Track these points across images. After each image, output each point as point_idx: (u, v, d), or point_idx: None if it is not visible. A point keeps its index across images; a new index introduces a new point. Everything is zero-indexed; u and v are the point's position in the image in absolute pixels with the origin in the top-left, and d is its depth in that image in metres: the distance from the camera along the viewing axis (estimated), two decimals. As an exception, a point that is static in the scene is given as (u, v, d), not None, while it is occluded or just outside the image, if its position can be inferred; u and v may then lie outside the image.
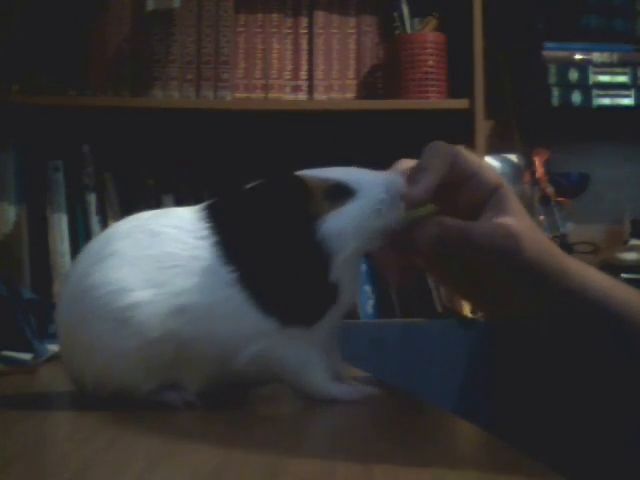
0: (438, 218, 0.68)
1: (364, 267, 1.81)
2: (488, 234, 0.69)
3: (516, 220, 0.69)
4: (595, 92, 2.13)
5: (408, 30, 2.04)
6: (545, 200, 2.11)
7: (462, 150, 0.72)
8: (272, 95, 2.02)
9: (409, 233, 0.68)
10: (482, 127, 1.96)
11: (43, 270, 1.91)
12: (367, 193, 0.68)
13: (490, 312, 0.78)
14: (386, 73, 2.05)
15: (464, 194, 0.71)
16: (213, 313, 0.68)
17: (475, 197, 0.71)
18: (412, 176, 0.70)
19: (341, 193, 0.68)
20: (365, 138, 2.08)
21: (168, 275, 0.69)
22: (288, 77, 2.04)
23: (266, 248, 0.68)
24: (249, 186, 0.73)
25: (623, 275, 1.78)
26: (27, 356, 1.03)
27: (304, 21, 2.05)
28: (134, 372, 0.70)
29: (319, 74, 2.04)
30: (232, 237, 0.69)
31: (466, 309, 1.93)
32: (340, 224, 0.68)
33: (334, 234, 0.67)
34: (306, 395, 0.72)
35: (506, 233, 0.68)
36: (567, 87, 2.12)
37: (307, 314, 0.69)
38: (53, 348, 1.11)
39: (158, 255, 0.70)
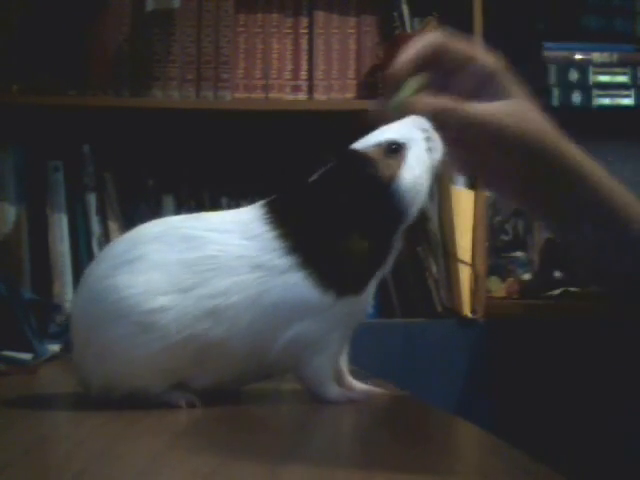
0: (425, 98, 0.72)
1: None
2: (480, 111, 0.71)
3: (510, 104, 0.72)
4: (595, 92, 2.13)
5: (408, 30, 2.04)
6: (545, 200, 2.11)
7: (452, 37, 0.74)
8: (272, 95, 2.02)
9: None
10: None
11: (43, 270, 1.91)
12: (414, 140, 0.73)
13: (502, 192, 0.80)
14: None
15: (460, 82, 0.73)
16: (254, 307, 0.70)
17: (471, 81, 0.73)
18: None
19: (396, 149, 0.73)
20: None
21: (200, 278, 0.70)
22: (288, 77, 2.04)
23: (336, 224, 0.71)
24: (311, 180, 0.75)
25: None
26: (27, 356, 1.03)
27: (304, 21, 2.05)
28: (149, 375, 0.70)
29: (319, 74, 2.04)
30: (298, 226, 0.71)
31: (466, 309, 1.93)
32: (415, 173, 0.72)
33: (411, 184, 0.72)
34: (308, 388, 0.73)
35: (489, 116, 0.71)
36: (567, 87, 2.12)
37: (358, 282, 0.72)
38: (53, 348, 1.11)
39: (191, 259, 0.70)
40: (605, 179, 0.75)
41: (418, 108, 0.72)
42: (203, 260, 0.70)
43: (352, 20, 2.05)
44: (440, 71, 0.73)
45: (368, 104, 0.79)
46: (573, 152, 0.74)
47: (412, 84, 0.71)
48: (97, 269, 0.73)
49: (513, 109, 0.72)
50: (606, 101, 2.14)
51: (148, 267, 0.70)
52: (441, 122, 0.71)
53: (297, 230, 0.71)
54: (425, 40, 0.73)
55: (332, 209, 0.71)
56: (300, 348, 0.71)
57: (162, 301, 0.69)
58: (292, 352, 0.71)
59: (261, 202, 0.75)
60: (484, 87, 0.73)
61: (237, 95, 2.00)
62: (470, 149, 0.74)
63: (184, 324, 0.69)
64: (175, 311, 0.69)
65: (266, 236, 0.71)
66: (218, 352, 0.70)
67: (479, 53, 0.74)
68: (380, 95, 0.76)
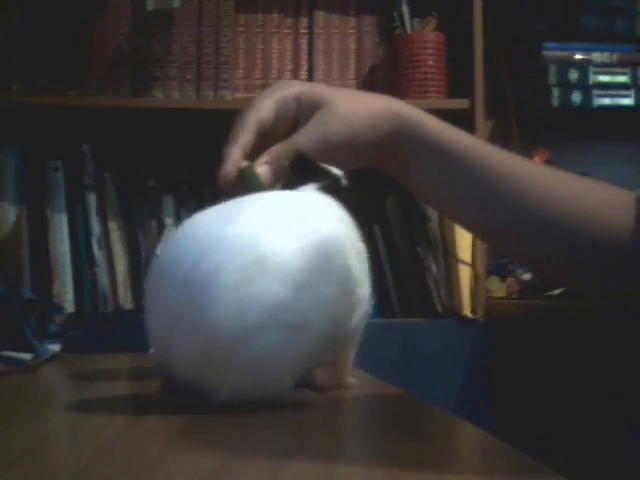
0: (264, 160, 0.76)
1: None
2: (309, 137, 0.76)
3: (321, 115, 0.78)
4: (595, 92, 2.13)
5: (408, 30, 2.04)
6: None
7: (265, 104, 0.78)
8: (272, 95, 2.02)
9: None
10: (482, 127, 1.96)
11: (43, 270, 1.91)
12: None
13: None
14: (386, 73, 2.05)
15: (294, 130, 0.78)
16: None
17: (302, 122, 0.78)
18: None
19: None
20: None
21: (334, 266, 0.68)
22: (288, 77, 2.04)
23: None
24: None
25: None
26: (27, 356, 1.03)
27: (304, 21, 2.05)
28: (290, 375, 0.68)
29: (319, 74, 2.04)
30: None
31: (466, 309, 1.93)
32: None
33: None
34: (340, 374, 0.77)
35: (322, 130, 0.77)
36: (567, 87, 2.12)
37: None
38: (53, 348, 1.11)
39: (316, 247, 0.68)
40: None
41: (266, 178, 0.76)
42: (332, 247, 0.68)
43: (352, 20, 2.05)
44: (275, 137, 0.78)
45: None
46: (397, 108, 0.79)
47: (248, 170, 0.76)
48: (221, 277, 0.65)
49: (319, 121, 0.77)
50: (606, 101, 2.14)
51: (280, 264, 0.65)
52: (283, 167, 0.75)
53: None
54: (245, 128, 0.78)
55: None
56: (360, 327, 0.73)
57: (308, 300, 0.66)
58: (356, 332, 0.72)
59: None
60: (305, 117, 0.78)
61: (237, 95, 2.00)
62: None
63: (331, 317, 0.68)
64: (323, 305, 0.67)
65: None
66: (341, 340, 0.71)
67: (301, 96, 0.79)
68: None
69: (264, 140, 0.78)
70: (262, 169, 0.76)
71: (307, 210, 0.69)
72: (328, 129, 0.76)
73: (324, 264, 0.67)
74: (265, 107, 0.78)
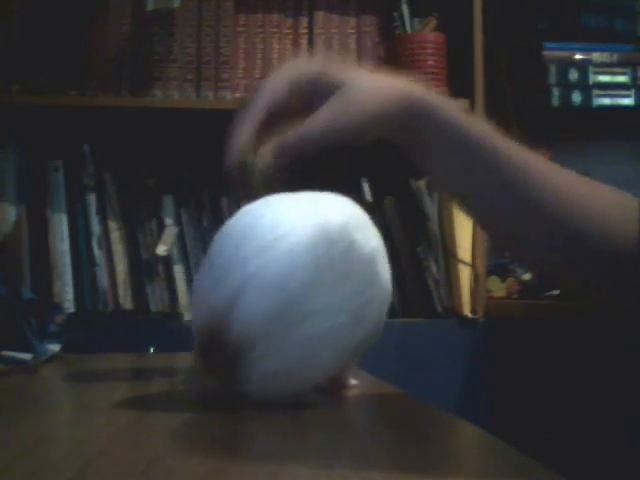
0: (268, 151, 0.74)
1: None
2: (317, 124, 0.74)
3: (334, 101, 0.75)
4: (595, 92, 2.13)
5: (408, 30, 2.04)
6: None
7: (298, 76, 0.76)
8: (272, 95, 2.02)
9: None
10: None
11: (43, 270, 1.91)
12: None
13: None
14: (386, 73, 2.05)
15: (309, 110, 0.75)
16: None
17: (319, 102, 0.75)
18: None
19: None
20: (365, 138, 2.08)
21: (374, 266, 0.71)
22: (288, 77, 2.04)
23: None
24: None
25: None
26: (27, 356, 1.03)
27: (304, 21, 2.05)
28: (334, 370, 0.70)
29: (319, 74, 2.04)
30: None
31: (466, 309, 1.93)
32: None
33: None
34: (351, 378, 0.77)
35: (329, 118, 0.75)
36: (567, 87, 2.12)
37: None
38: (53, 348, 1.11)
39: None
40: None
41: (267, 165, 0.73)
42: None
43: (352, 20, 2.05)
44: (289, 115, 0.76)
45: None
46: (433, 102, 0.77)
47: (252, 166, 0.73)
48: (295, 273, 0.65)
49: (335, 107, 0.74)
50: (606, 101, 2.14)
51: (359, 255, 0.69)
52: (292, 155, 0.73)
53: None
54: (251, 119, 0.76)
55: None
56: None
57: (369, 295, 0.69)
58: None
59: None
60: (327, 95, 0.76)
61: (237, 95, 2.00)
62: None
63: (377, 317, 0.70)
64: (377, 304, 0.70)
65: None
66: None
67: (322, 76, 0.77)
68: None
69: (276, 120, 0.75)
70: (264, 166, 0.74)
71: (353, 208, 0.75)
72: (343, 114, 0.74)
73: (377, 269, 0.70)
74: (279, 88, 0.75)
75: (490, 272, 2.00)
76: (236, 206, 0.72)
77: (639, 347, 1.57)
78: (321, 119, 0.74)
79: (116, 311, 1.93)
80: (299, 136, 0.74)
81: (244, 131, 0.74)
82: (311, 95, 0.75)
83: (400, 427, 0.66)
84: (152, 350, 1.24)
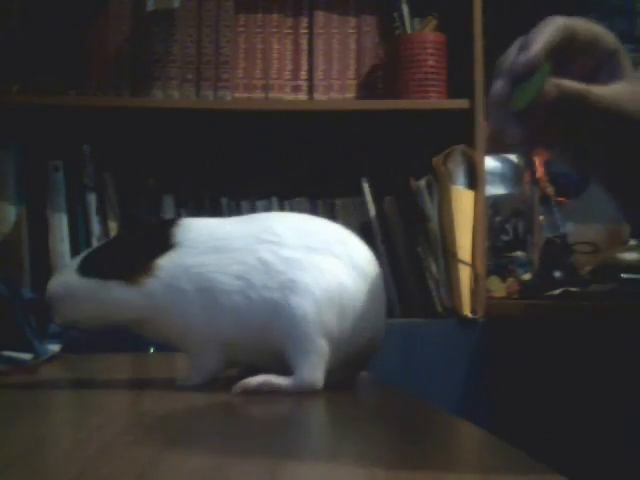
0: (557, 82, 0.67)
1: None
2: (603, 101, 0.68)
3: (626, 85, 0.70)
4: (595, 92, 2.13)
5: (408, 30, 2.04)
6: (545, 200, 2.11)
7: (577, 20, 0.72)
8: (272, 95, 2.02)
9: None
10: (482, 127, 1.96)
11: (43, 270, 1.91)
12: None
13: (585, 169, 0.78)
14: (386, 73, 2.05)
15: (583, 61, 0.71)
16: None
17: (593, 62, 0.71)
18: (521, 46, 0.69)
19: None
20: (365, 138, 2.08)
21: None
22: (288, 77, 2.04)
23: None
24: None
25: (623, 275, 1.78)
26: (27, 356, 1.03)
27: (304, 21, 2.05)
28: None
29: (319, 74, 2.04)
30: None
31: (466, 309, 1.93)
32: None
33: None
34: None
35: (619, 97, 0.68)
36: (567, 87, 2.12)
37: None
38: (53, 348, 1.11)
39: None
40: None
41: (551, 91, 0.68)
42: None
43: (352, 20, 2.05)
44: (564, 56, 0.71)
45: (490, 99, 0.71)
46: None
47: (543, 71, 0.68)
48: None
49: (631, 91, 0.70)
50: (606, 101, 2.13)
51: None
52: (569, 106, 0.68)
53: None
54: (554, 25, 0.71)
55: None
56: None
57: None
58: None
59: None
60: (602, 68, 0.71)
61: (237, 95, 2.00)
62: (561, 133, 0.71)
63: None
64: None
65: None
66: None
67: (601, 33, 0.72)
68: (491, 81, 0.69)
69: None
70: (554, 88, 0.67)
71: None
72: (621, 104, 0.70)
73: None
74: (583, 33, 0.71)
75: (490, 272, 2.00)
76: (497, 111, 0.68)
77: (639, 347, 1.57)
78: (613, 91, 0.69)
79: (116, 311, 1.92)
80: (587, 92, 0.68)
81: (540, 41, 0.68)
82: (597, 63, 0.71)
83: (400, 427, 0.66)
84: (152, 350, 1.24)
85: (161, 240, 0.84)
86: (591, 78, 0.70)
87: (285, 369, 0.80)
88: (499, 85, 0.67)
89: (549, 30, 0.70)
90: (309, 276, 0.80)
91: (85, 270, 0.86)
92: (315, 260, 0.81)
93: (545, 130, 0.70)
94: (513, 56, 0.69)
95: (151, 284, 0.83)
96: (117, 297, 0.84)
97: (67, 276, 0.87)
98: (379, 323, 0.85)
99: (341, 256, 0.83)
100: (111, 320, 0.86)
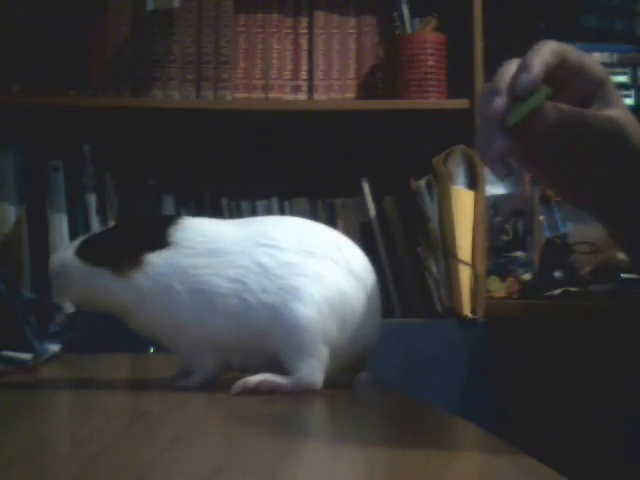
0: (555, 104, 0.68)
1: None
2: (600, 120, 0.69)
3: (621, 112, 0.70)
4: (595, 92, 2.13)
5: (408, 30, 2.04)
6: (545, 200, 2.11)
7: (567, 46, 0.73)
8: (272, 95, 2.02)
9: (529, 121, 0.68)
10: (482, 127, 1.96)
11: (43, 270, 1.91)
12: None
13: (578, 201, 0.78)
14: (386, 73, 2.05)
15: (571, 89, 0.72)
16: None
17: (582, 91, 0.71)
18: (520, 67, 0.70)
19: None
20: (365, 138, 2.08)
21: None
22: (288, 77, 2.04)
23: None
24: None
25: (623, 275, 1.78)
26: (27, 356, 1.03)
27: (304, 21, 2.05)
28: None
29: (319, 74, 2.04)
30: None
31: (466, 309, 1.93)
32: None
33: None
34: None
35: (613, 122, 0.69)
36: (567, 87, 2.12)
37: None
38: (53, 348, 1.11)
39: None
40: None
41: (552, 114, 0.69)
42: None
43: (352, 20, 2.05)
44: (556, 80, 0.72)
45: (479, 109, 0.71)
46: None
47: (542, 93, 0.68)
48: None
49: (628, 118, 0.71)
50: (606, 101, 2.13)
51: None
52: (566, 129, 0.69)
53: None
54: (549, 48, 0.72)
55: None
56: None
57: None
58: None
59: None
60: (592, 96, 0.72)
61: (237, 95, 2.00)
62: (553, 160, 0.72)
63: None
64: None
65: None
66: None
67: (590, 62, 0.73)
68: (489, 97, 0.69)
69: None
70: (551, 109, 0.68)
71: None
72: (622, 126, 0.69)
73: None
74: (573, 60, 0.71)
75: (490, 272, 2.00)
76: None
77: (639, 347, 1.57)
78: (614, 114, 0.70)
79: (116, 311, 1.93)
80: (587, 112, 0.69)
81: (540, 63, 0.69)
82: (586, 92, 0.72)
83: (400, 426, 0.66)
84: (152, 350, 1.24)
85: (157, 237, 0.84)
86: (582, 106, 0.71)
87: (283, 373, 0.80)
88: (499, 102, 0.68)
89: (546, 52, 0.71)
90: (310, 282, 0.80)
91: (81, 253, 0.87)
92: (315, 266, 0.81)
93: (538, 152, 0.70)
94: (510, 76, 0.70)
95: (138, 278, 0.83)
96: (103, 285, 0.86)
97: (65, 255, 0.89)
98: (375, 330, 0.85)
99: (339, 262, 0.82)
100: (98, 305, 0.88)
